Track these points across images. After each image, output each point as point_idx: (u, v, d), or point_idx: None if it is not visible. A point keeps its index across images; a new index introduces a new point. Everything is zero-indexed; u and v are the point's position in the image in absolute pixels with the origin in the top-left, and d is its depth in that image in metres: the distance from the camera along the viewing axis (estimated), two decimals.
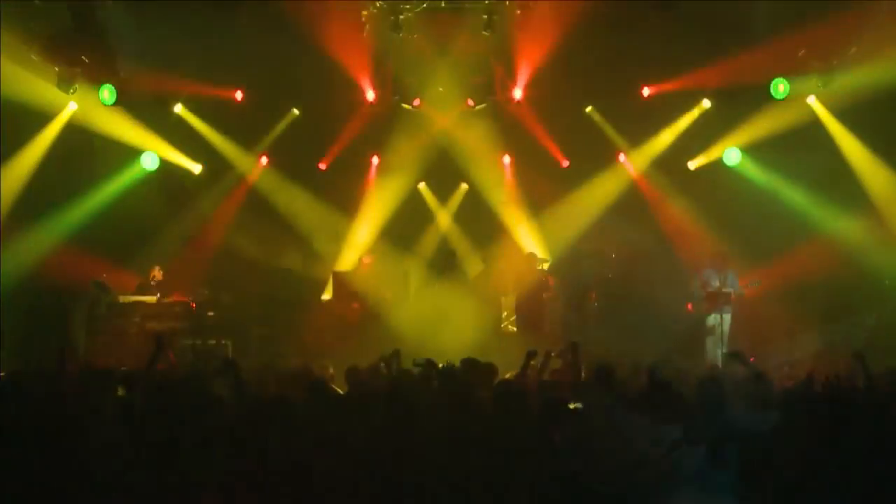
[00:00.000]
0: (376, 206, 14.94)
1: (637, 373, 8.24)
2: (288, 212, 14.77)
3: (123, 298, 13.20)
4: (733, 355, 8.25)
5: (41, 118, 13.35)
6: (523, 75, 13.39)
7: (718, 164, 14.26)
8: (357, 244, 14.76)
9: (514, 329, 14.10)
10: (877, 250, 13.02)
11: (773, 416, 5.59)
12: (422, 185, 15.29)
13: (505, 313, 14.18)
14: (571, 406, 6.01)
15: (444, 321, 13.83)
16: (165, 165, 14.41)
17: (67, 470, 4.88)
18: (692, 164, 14.43)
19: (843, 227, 13.33)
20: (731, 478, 4.58)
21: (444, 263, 14.30)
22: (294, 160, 14.72)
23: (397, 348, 7.46)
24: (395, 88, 13.70)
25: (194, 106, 13.94)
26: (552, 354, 8.94)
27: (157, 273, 13.33)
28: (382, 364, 8.72)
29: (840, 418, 4.63)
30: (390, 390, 6.90)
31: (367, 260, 14.26)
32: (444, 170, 15.00)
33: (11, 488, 4.58)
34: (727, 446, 4.91)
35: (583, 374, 7.92)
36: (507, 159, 14.99)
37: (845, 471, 4.19)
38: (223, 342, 12.89)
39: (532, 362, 8.08)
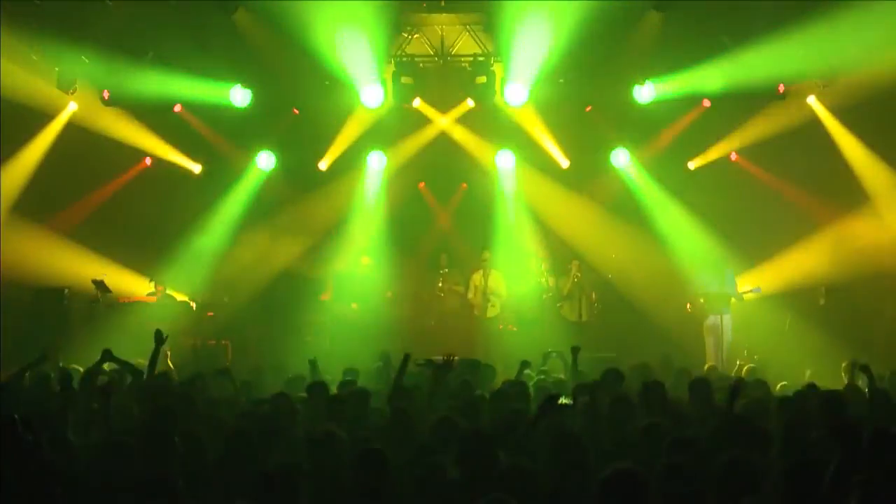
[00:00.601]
0: (376, 206, 14.93)
1: (638, 373, 8.26)
2: (288, 212, 14.77)
3: (123, 298, 13.21)
4: (711, 369, 8.28)
5: (41, 118, 13.35)
6: (523, 75, 13.36)
7: (718, 164, 14.26)
8: (357, 244, 14.75)
9: (514, 329, 14.10)
10: (877, 250, 13.01)
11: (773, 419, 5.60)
12: (422, 185, 15.29)
13: (505, 313, 14.16)
14: (562, 401, 5.99)
15: (443, 321, 13.87)
16: (165, 165, 14.40)
17: (63, 470, 4.88)
18: (692, 164, 14.43)
19: (843, 226, 13.34)
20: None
21: (444, 263, 14.31)
22: (294, 160, 14.72)
23: (407, 353, 7.40)
24: (395, 88, 13.69)
25: (194, 106, 13.93)
26: (552, 355, 8.97)
27: (159, 290, 13.38)
28: (382, 363, 8.74)
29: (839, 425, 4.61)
30: (391, 390, 6.92)
31: (366, 260, 14.25)
32: (444, 170, 14.99)
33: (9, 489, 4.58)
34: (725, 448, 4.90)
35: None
36: (507, 159, 14.98)
37: (844, 477, 4.17)
38: (223, 342, 12.90)
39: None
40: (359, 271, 14.19)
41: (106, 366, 7.70)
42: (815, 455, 4.67)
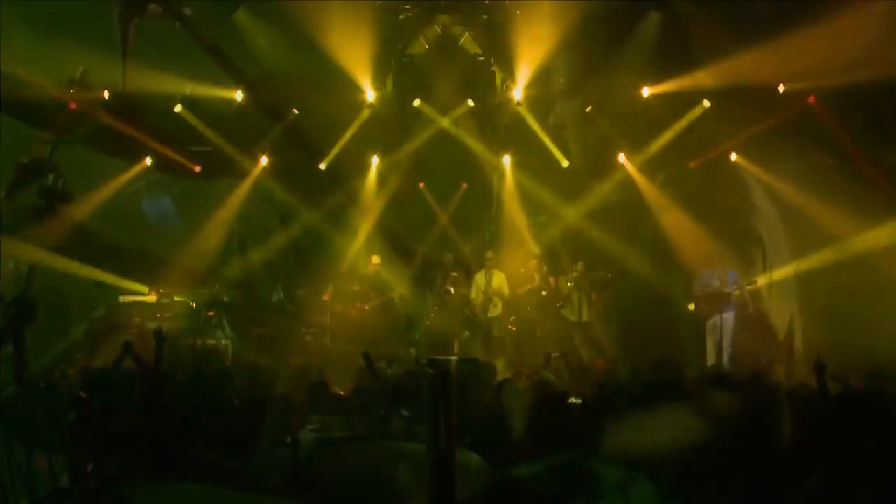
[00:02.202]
0: (376, 206, 14.94)
1: (638, 373, 8.27)
2: (288, 212, 14.77)
3: (123, 298, 13.21)
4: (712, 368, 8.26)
5: (41, 118, 13.33)
6: (523, 75, 13.37)
7: (718, 164, 14.26)
8: (358, 244, 14.75)
9: (514, 329, 14.10)
10: (877, 251, 13.01)
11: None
12: (422, 185, 15.30)
13: (506, 313, 14.17)
14: (572, 400, 6.02)
15: (445, 321, 13.87)
16: (165, 165, 14.40)
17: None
18: (692, 164, 14.43)
19: (843, 227, 13.33)
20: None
21: (450, 264, 14.31)
22: (294, 160, 14.71)
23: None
24: (395, 88, 13.70)
25: (194, 106, 13.92)
26: (553, 355, 9.00)
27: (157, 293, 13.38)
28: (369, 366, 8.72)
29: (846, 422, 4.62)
30: (392, 390, 6.92)
31: (376, 259, 14.29)
32: (444, 170, 15.00)
33: None
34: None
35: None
36: (507, 159, 15.00)
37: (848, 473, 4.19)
38: (223, 342, 12.90)
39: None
40: (360, 271, 14.22)
41: None
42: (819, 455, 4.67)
